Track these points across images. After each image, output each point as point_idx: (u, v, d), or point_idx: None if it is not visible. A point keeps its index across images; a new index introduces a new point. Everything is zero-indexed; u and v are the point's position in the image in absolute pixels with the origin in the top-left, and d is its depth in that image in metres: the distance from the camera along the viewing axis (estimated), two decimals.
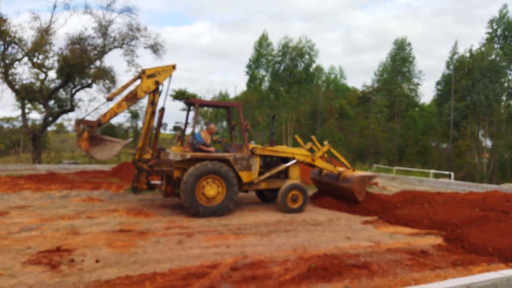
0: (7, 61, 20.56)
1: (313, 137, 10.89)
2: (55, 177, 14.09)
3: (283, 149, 9.90)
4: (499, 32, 40.50)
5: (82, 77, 22.89)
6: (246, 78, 51.30)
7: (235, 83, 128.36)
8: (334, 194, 10.43)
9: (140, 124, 46.31)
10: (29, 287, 4.21)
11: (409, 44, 49.68)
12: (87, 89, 23.95)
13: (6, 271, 4.65)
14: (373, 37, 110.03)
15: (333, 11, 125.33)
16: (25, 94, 21.21)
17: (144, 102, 10.83)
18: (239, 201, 10.52)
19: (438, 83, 44.38)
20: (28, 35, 29.97)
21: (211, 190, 8.41)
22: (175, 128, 53.83)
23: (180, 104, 48.46)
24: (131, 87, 8.81)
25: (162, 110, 9.02)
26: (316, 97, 44.25)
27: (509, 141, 36.21)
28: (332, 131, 43.64)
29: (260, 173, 9.47)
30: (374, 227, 7.87)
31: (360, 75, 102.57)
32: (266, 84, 49.94)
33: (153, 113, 8.82)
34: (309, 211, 9.48)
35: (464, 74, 38.38)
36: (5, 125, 38.88)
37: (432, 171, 23.54)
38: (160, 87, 8.86)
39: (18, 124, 36.54)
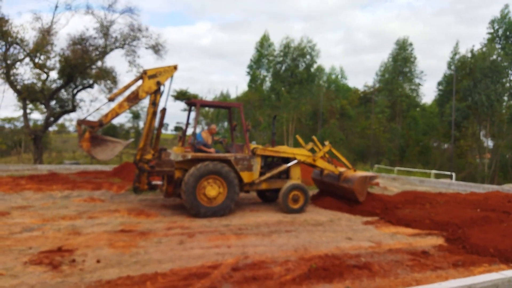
0: (8, 62, 20.62)
1: (314, 138, 10.88)
2: (57, 178, 14.12)
3: (284, 150, 9.90)
4: (500, 32, 40.49)
5: (84, 77, 22.93)
6: (247, 78, 51.42)
7: (235, 83, 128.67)
8: (335, 195, 10.43)
9: (141, 124, 46.41)
10: (31, 287, 4.22)
11: (411, 44, 49.74)
12: (89, 89, 24.05)
13: (8, 271, 4.66)
14: (373, 37, 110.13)
15: (334, 11, 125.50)
16: (27, 95, 21.27)
17: (146, 102, 10.85)
18: (240, 202, 10.52)
19: (439, 83, 44.48)
20: (30, 36, 29.94)
21: (212, 190, 8.42)
22: (176, 129, 53.89)
23: (181, 105, 48.59)
24: (133, 88, 8.83)
25: (164, 110, 9.04)
26: (317, 97, 44.26)
27: (511, 142, 36.14)
28: (333, 131, 43.60)
29: (261, 174, 9.47)
30: (375, 227, 7.87)
31: (361, 75, 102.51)
32: (267, 85, 50.00)
33: (154, 113, 8.83)
34: (310, 211, 9.48)
35: (466, 74, 38.37)
36: (7, 126, 39.04)
37: (434, 171, 23.53)
38: (162, 88, 8.87)
39: (19, 124, 36.68)
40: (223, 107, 12.56)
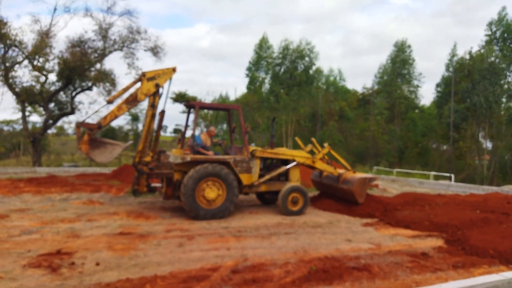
0: (7, 64, 20.63)
1: (313, 139, 10.89)
2: (55, 180, 14.08)
3: (283, 151, 9.90)
4: (498, 34, 40.61)
5: (83, 80, 22.94)
6: (246, 80, 51.41)
7: (234, 85, 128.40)
8: (334, 196, 10.43)
9: (140, 126, 46.32)
10: None
11: (409, 46, 49.82)
12: (88, 92, 24.06)
13: (7, 274, 4.65)
14: (372, 39, 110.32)
15: (332, 14, 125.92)
16: (26, 97, 21.27)
17: (144, 104, 10.85)
18: (240, 204, 10.51)
19: (438, 85, 44.47)
20: (29, 38, 30.13)
21: (212, 192, 8.41)
22: (175, 131, 53.79)
23: (180, 107, 48.67)
24: (132, 90, 8.84)
25: (162, 112, 9.04)
26: (316, 99, 44.29)
27: (510, 143, 36.20)
28: (332, 133, 43.59)
29: (260, 176, 9.46)
30: (374, 229, 7.87)
31: (359, 77, 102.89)
32: (266, 87, 50.04)
33: (153, 115, 8.84)
34: (309, 213, 9.47)
35: (464, 76, 38.44)
36: (5, 128, 38.87)
37: (433, 173, 23.52)
38: (160, 90, 8.89)
39: (18, 127, 36.56)
40: (222, 109, 12.57)
